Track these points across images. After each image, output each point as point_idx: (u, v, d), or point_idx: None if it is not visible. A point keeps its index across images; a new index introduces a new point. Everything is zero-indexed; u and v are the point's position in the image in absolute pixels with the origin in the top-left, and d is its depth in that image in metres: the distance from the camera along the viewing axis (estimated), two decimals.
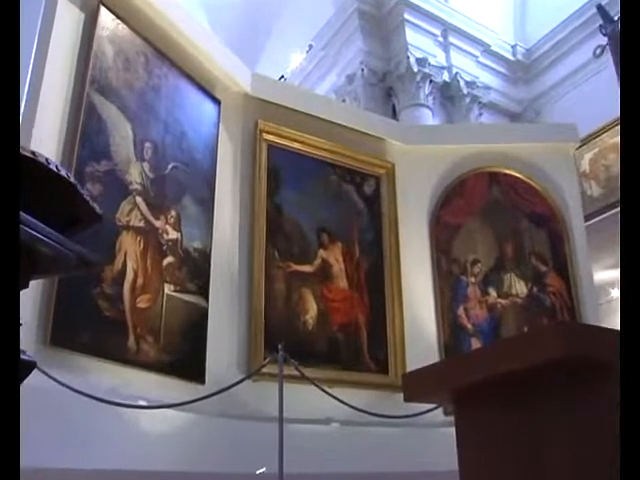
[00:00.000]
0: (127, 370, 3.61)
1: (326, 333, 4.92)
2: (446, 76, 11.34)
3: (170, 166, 4.32)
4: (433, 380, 1.43)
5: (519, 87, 12.65)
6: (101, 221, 1.70)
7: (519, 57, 12.56)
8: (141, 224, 3.97)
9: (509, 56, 12.54)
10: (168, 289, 4.07)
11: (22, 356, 1.35)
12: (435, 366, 1.55)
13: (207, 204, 4.56)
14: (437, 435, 4.29)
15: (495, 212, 5.88)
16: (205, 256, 4.43)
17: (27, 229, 1.34)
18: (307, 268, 5.05)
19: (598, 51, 10.55)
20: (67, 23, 3.80)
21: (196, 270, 4.33)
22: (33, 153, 1.41)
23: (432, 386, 1.44)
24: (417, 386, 1.48)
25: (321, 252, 5.19)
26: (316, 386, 4.15)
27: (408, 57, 10.66)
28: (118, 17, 4.09)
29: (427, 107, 10.72)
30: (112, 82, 3.94)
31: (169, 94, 4.43)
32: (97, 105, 3.79)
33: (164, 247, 4.14)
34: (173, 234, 4.23)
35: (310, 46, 12.20)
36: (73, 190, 1.55)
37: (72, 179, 1.55)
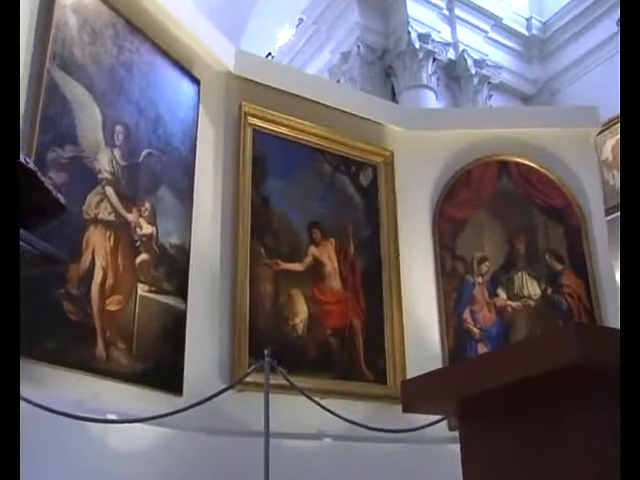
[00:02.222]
0: (95, 381, 3.59)
1: (318, 338, 4.92)
2: (452, 54, 11.37)
3: (144, 153, 4.30)
4: (435, 388, 1.43)
5: (534, 66, 12.66)
6: (65, 213, 1.68)
7: (534, 32, 12.57)
8: (111, 217, 3.95)
9: (523, 31, 12.55)
10: (142, 290, 4.06)
11: None
12: (438, 372, 1.54)
13: (185, 195, 4.55)
14: (441, 452, 4.30)
15: (505, 205, 5.89)
16: (183, 253, 4.42)
17: None
18: (297, 267, 5.04)
19: None
20: None
21: (173, 269, 4.32)
22: None
23: (434, 395, 1.44)
24: (417, 395, 1.48)
25: (312, 249, 5.18)
26: (307, 397, 4.14)
27: (409, 32, 10.67)
28: None
29: (430, 88, 10.73)
30: (77, 57, 3.90)
31: (142, 72, 4.41)
32: (60, 83, 3.76)
33: (137, 243, 4.12)
34: (147, 229, 4.21)
35: (300, 20, 12.19)
36: (33, 178, 1.54)
37: (32, 166, 1.54)
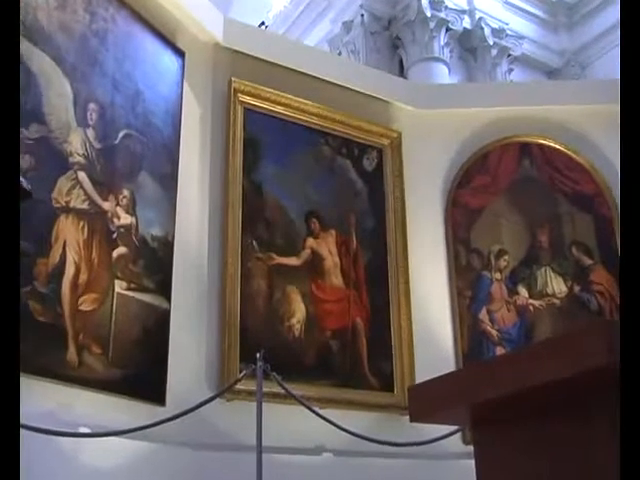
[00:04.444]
0: (66, 389, 3.59)
1: (316, 341, 4.92)
2: (467, 22, 11.34)
3: (121, 134, 4.30)
4: (447, 394, 1.42)
5: (560, 35, 12.61)
6: (31, 200, 1.67)
7: None
8: (85, 206, 3.95)
9: None
10: (119, 287, 4.06)
11: None
12: (450, 376, 1.53)
13: (169, 181, 4.55)
14: (454, 468, 4.31)
15: (527, 192, 5.89)
16: (166, 246, 4.42)
17: None
18: (293, 261, 5.04)
19: None
20: None
21: (155, 263, 4.32)
22: None
23: (445, 402, 1.43)
24: (426, 402, 1.47)
25: (310, 242, 5.18)
26: (304, 406, 4.15)
27: None
28: None
29: (443, 62, 10.72)
30: (43, 25, 3.88)
31: (119, 43, 4.39)
32: (24, 54, 3.74)
33: (114, 235, 4.12)
34: (126, 219, 4.21)
35: None
36: None
37: None
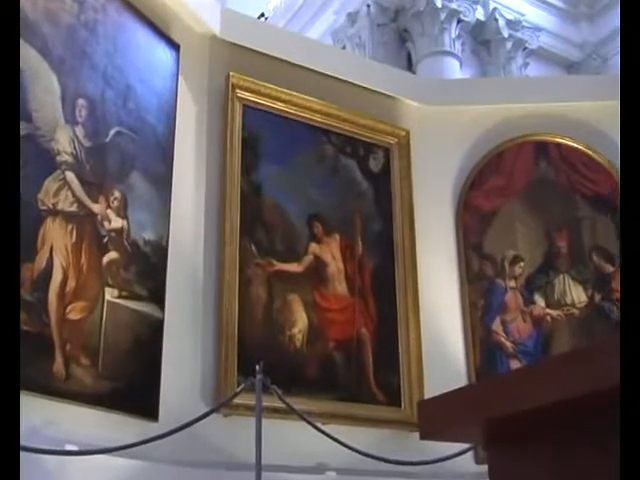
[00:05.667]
0: (52, 404, 3.58)
1: (319, 352, 4.92)
2: (480, 14, 11.35)
3: (112, 131, 4.31)
4: (460, 410, 1.42)
5: (580, 27, 12.60)
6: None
7: None
8: (73, 208, 3.95)
9: None
10: (110, 295, 4.06)
11: None
12: (463, 391, 1.53)
13: (162, 182, 4.55)
14: None
15: (543, 194, 5.89)
16: (160, 251, 4.43)
17: None
18: (294, 267, 5.05)
19: None
20: None
21: (147, 269, 4.33)
22: None
23: (458, 418, 1.42)
24: (438, 418, 1.46)
25: (313, 247, 5.19)
26: (306, 422, 4.15)
27: None
28: None
29: (454, 55, 10.73)
30: (28, 14, 3.88)
31: (109, 34, 4.41)
32: None
33: (105, 239, 4.12)
34: (117, 222, 4.21)
35: None
36: None
37: None
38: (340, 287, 5.19)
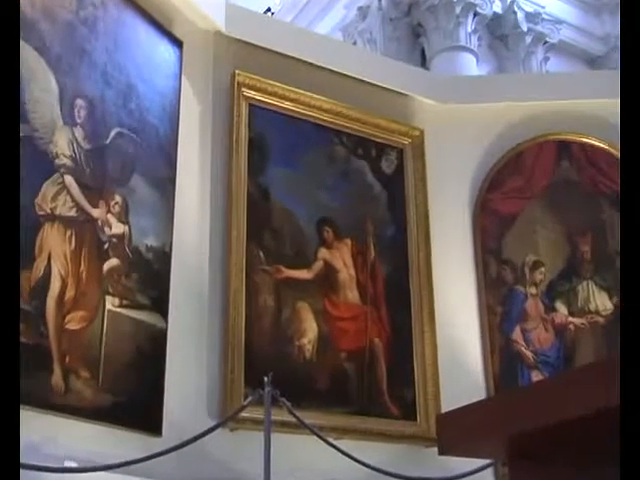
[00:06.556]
0: (51, 418, 3.59)
1: (330, 363, 4.93)
2: (497, 6, 11.34)
3: (112, 133, 4.32)
4: (480, 424, 1.41)
5: (603, 19, 12.56)
6: None
7: None
8: (72, 213, 3.96)
9: None
10: (111, 304, 4.07)
11: None
12: (484, 404, 1.53)
13: (165, 186, 4.56)
14: None
15: (566, 196, 5.87)
16: (163, 258, 4.43)
17: None
18: (304, 274, 5.05)
19: None
20: None
21: (150, 277, 4.33)
22: None
23: (479, 433, 1.42)
24: (457, 432, 1.46)
25: (323, 252, 5.19)
26: (317, 436, 4.15)
27: None
28: None
29: (470, 51, 10.72)
30: (25, 12, 3.89)
31: (109, 31, 4.42)
32: None
33: (105, 245, 4.13)
34: (118, 227, 4.22)
35: None
36: None
37: None
38: (352, 295, 5.19)
